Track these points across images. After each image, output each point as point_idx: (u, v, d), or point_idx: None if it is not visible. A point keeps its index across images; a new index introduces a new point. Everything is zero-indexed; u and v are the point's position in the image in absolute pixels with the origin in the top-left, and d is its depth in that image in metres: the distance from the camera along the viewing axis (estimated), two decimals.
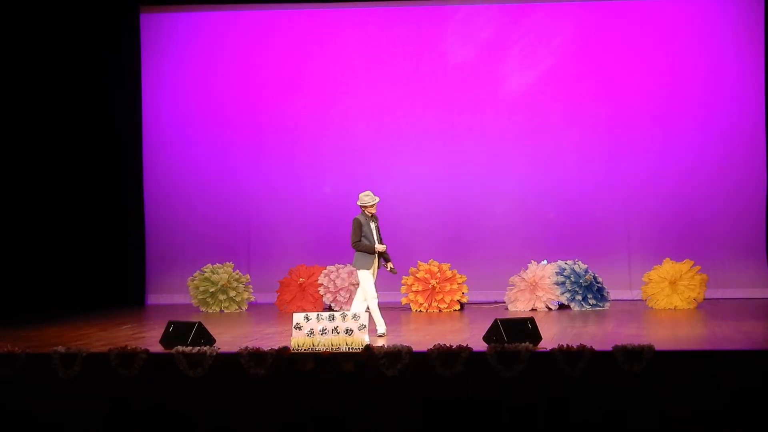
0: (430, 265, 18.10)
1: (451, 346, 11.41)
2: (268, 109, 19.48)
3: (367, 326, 11.98)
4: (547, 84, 18.92)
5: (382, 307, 14.17)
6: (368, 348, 11.58)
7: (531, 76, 19.03)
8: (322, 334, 11.86)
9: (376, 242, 13.28)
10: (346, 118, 19.35)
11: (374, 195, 13.44)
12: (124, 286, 19.28)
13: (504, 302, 17.91)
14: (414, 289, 17.91)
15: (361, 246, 13.27)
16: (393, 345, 11.50)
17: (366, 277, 13.28)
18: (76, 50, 18.95)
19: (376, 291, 13.57)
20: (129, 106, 19.21)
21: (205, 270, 18.47)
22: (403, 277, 18.04)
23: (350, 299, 17.53)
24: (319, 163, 19.39)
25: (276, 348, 11.72)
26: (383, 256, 13.34)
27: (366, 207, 13.37)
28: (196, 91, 19.51)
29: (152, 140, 19.58)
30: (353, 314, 12.03)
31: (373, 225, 13.37)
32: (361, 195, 13.50)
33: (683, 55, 18.71)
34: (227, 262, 18.74)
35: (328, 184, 19.24)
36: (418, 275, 17.99)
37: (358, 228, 13.23)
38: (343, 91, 19.42)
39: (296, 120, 19.38)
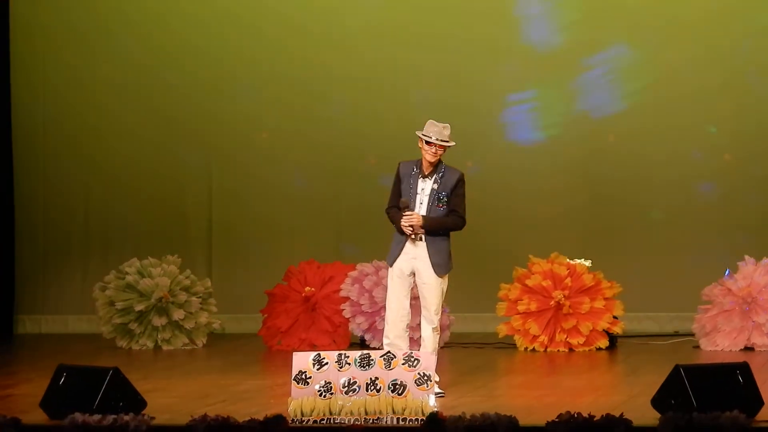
0: (552, 262, 14.21)
1: (591, 417, 9.09)
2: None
3: (433, 379, 9.62)
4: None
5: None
6: (435, 418, 9.14)
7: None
8: (347, 393, 9.48)
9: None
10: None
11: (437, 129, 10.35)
12: None
13: (693, 334, 14.39)
14: (522, 307, 14.16)
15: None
16: (483, 413, 9.14)
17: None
18: None
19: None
20: None
21: (128, 270, 14.53)
22: (502, 284, 14.25)
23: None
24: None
25: (261, 419, 9.09)
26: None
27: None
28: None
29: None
30: (408, 355, 9.66)
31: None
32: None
33: None
34: (169, 256, 14.74)
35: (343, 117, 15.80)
36: (528, 282, 14.07)
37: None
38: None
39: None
